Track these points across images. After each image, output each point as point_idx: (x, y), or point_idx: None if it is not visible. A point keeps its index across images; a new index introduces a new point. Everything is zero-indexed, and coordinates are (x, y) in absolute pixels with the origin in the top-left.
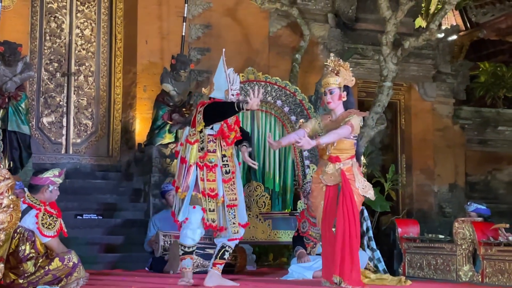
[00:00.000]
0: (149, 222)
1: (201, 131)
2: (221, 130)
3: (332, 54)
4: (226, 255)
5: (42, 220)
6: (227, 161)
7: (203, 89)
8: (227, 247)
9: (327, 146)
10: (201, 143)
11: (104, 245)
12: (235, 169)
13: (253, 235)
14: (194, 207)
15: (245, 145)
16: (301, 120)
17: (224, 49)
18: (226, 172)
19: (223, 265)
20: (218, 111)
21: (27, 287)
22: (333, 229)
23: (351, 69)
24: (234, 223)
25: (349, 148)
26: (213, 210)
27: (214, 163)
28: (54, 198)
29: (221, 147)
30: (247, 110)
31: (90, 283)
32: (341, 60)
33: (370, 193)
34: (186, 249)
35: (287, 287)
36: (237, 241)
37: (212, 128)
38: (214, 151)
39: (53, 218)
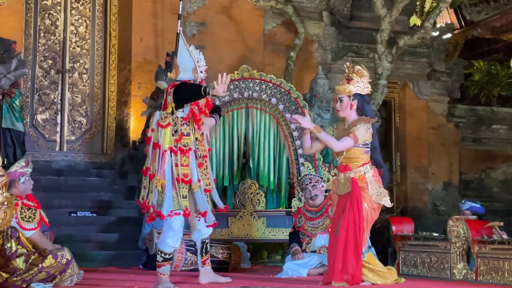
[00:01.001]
0: (144, 220)
1: (172, 113)
2: (192, 112)
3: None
4: (209, 248)
5: (21, 215)
6: (198, 144)
7: (168, 73)
8: (206, 240)
9: (338, 155)
10: (174, 126)
11: (98, 242)
12: (206, 153)
13: (248, 233)
14: (177, 214)
15: (213, 116)
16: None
17: (181, 28)
18: (199, 157)
19: (209, 259)
20: (186, 93)
21: (21, 285)
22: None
23: (345, 67)
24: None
25: (358, 156)
26: (185, 197)
27: (188, 146)
28: (29, 189)
29: (194, 130)
30: (213, 95)
31: (84, 280)
32: (357, 66)
33: (385, 200)
34: (167, 256)
35: (282, 284)
36: (212, 229)
37: (183, 111)
38: (188, 134)
39: (31, 211)
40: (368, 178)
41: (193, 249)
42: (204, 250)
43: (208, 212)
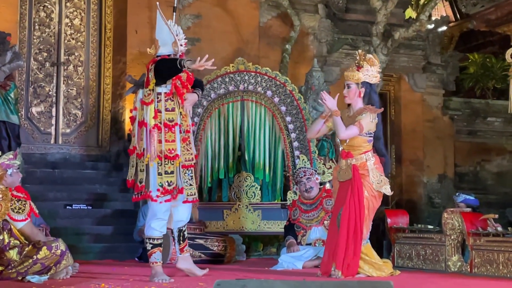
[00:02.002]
0: (139, 212)
1: (153, 90)
2: (175, 87)
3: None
4: (186, 235)
5: (11, 206)
6: (181, 119)
7: (148, 49)
8: (182, 228)
9: (341, 142)
10: (157, 102)
11: (94, 235)
12: (189, 128)
13: (243, 226)
14: (167, 200)
15: (195, 91)
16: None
17: (158, 3)
18: (182, 131)
19: (187, 245)
20: (165, 68)
21: (16, 277)
22: (337, 221)
23: (340, 60)
24: (191, 185)
25: (361, 144)
26: (171, 173)
27: (174, 121)
28: (17, 181)
29: (178, 104)
30: (188, 68)
31: (80, 273)
32: (369, 55)
33: (386, 188)
34: (156, 242)
35: (277, 277)
36: (188, 216)
37: (166, 87)
38: (173, 110)
39: (21, 202)
40: (370, 165)
41: (190, 242)
42: (181, 237)
43: (185, 189)
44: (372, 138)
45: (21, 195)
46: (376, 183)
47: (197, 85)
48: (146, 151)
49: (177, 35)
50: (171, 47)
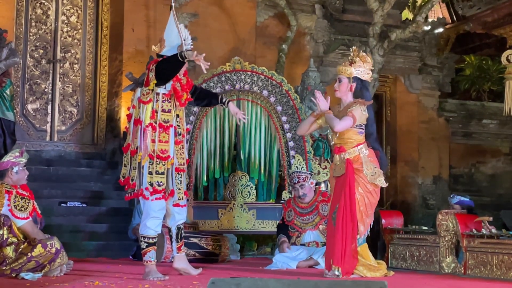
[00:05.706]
0: (134, 210)
1: (152, 90)
2: (174, 89)
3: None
4: (183, 233)
5: (14, 203)
6: (179, 121)
7: (153, 46)
8: (181, 226)
9: (332, 136)
10: (155, 103)
11: (88, 233)
12: (185, 133)
13: (238, 225)
14: (158, 198)
15: (229, 100)
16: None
17: (172, 4)
18: (178, 134)
19: (183, 244)
20: (168, 66)
21: (10, 274)
22: (332, 219)
23: (336, 60)
24: (179, 189)
25: (351, 137)
26: (162, 173)
27: (169, 123)
28: (22, 179)
29: (175, 107)
30: (189, 60)
31: (74, 271)
32: (363, 52)
33: (380, 180)
34: (150, 240)
35: (271, 276)
36: (186, 215)
37: (165, 88)
38: (169, 111)
39: (25, 200)
40: (363, 157)
41: (185, 241)
42: (179, 236)
43: (176, 192)
44: (363, 131)
45: (26, 193)
46: (370, 175)
47: (211, 95)
48: (139, 149)
49: (184, 40)
50: (176, 49)
